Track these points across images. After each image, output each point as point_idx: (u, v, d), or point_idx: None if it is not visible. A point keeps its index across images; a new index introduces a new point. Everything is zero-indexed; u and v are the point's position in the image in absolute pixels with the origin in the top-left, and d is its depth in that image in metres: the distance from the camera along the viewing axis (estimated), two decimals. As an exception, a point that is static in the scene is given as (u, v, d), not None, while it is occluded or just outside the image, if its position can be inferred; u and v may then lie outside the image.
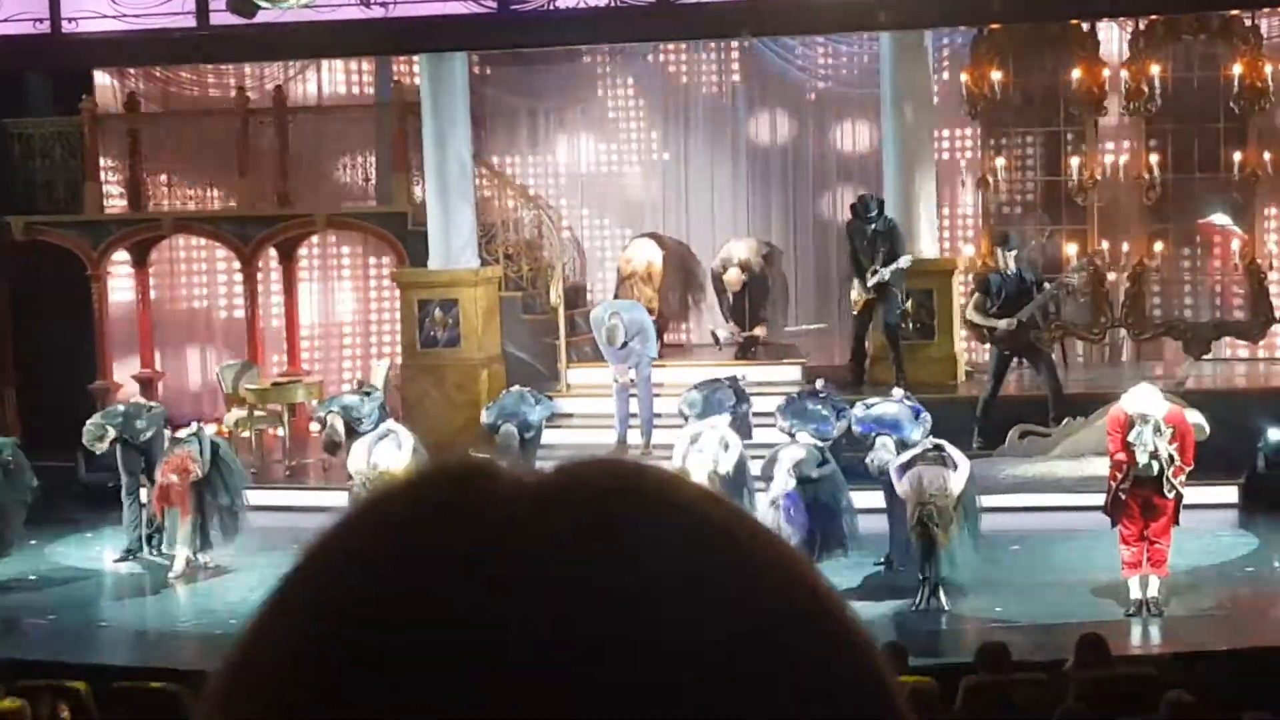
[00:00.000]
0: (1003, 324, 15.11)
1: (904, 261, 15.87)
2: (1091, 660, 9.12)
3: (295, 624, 0.77)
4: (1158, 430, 11.51)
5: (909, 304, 16.34)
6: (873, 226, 15.95)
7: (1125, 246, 17.45)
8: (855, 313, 16.45)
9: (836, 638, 0.79)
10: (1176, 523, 11.74)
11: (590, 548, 0.76)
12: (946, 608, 11.96)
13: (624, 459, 0.83)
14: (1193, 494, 12.87)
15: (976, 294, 15.67)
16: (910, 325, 16.37)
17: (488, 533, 0.77)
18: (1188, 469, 11.67)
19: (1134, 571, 11.70)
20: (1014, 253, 15.49)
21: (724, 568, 0.77)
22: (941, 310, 16.53)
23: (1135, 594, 11.73)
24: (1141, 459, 11.48)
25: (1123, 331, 17.47)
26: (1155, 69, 17.03)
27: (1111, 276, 17.16)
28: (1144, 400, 11.75)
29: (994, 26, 17.15)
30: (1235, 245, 17.17)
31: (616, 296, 17.16)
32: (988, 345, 16.12)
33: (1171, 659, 10.27)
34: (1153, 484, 11.59)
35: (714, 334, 17.64)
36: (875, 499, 12.73)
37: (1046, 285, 15.66)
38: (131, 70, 18.67)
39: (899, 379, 15.73)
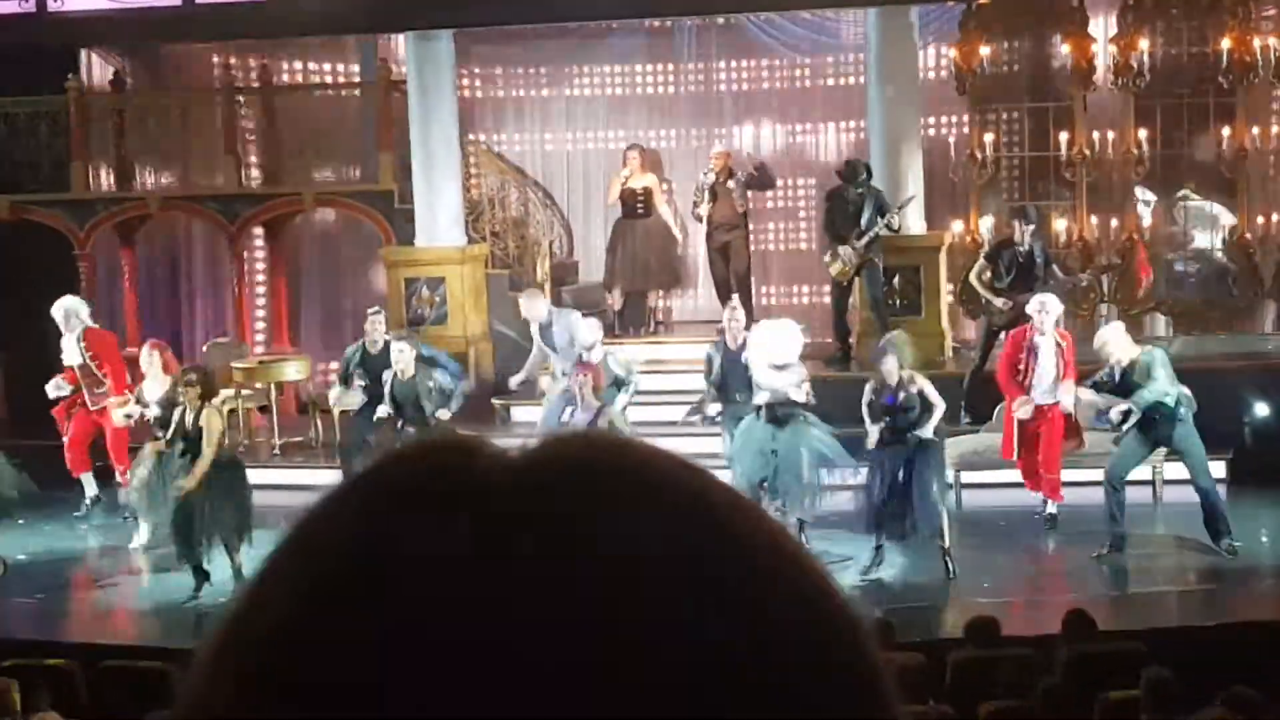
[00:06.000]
0: (999, 303, 14.97)
1: (905, 203, 15.86)
2: (1077, 635, 9.14)
3: (274, 606, 0.76)
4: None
5: (895, 280, 16.28)
6: (860, 191, 15.77)
7: (1114, 222, 17.46)
8: (841, 285, 16.17)
9: (824, 617, 0.78)
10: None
11: (570, 525, 0.75)
12: (954, 575, 12.04)
13: (606, 433, 0.82)
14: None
15: (982, 259, 15.52)
16: (896, 302, 16.29)
17: (465, 510, 0.76)
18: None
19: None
20: (1031, 228, 15.26)
21: (706, 546, 0.76)
22: (928, 286, 16.49)
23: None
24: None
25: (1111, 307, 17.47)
26: (1144, 43, 17.02)
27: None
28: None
29: (982, 1, 17.13)
30: (1224, 220, 17.17)
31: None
32: (978, 318, 16.13)
33: (1158, 634, 10.29)
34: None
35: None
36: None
37: (1055, 268, 15.32)
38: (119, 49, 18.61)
39: None
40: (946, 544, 12.08)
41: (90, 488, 14.90)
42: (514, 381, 14.90)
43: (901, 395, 12.00)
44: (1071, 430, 13.10)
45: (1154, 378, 12.14)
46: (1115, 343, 12.43)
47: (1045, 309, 13.00)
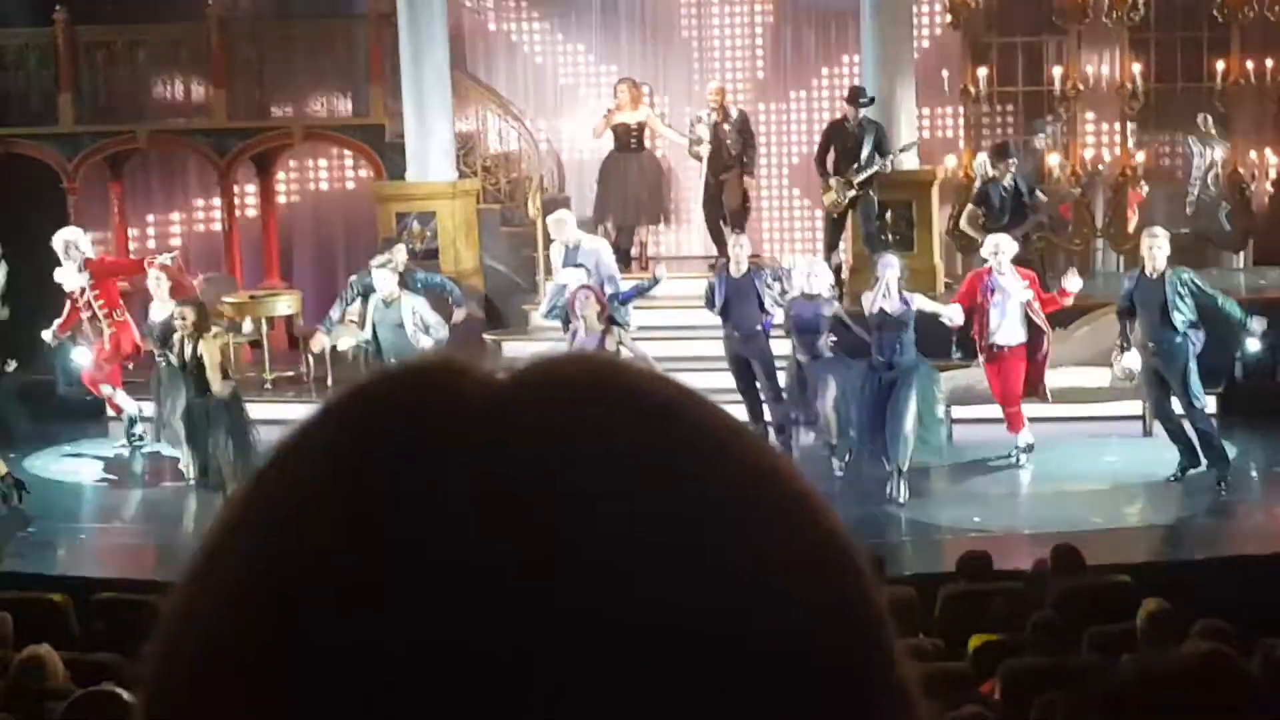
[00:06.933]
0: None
1: (906, 147, 15.85)
2: (1065, 570, 9.16)
3: (251, 541, 0.74)
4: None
5: (888, 216, 16.26)
6: (859, 122, 15.77)
7: (1108, 157, 17.42)
8: (833, 217, 16.21)
9: (820, 545, 0.76)
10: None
11: (560, 444, 0.73)
12: (903, 500, 12.20)
13: (598, 354, 0.80)
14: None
15: (971, 205, 15.57)
16: (889, 237, 16.26)
17: (450, 429, 0.74)
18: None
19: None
20: (1013, 163, 15.40)
21: (700, 469, 0.74)
22: (920, 221, 16.46)
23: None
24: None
25: (1103, 242, 17.47)
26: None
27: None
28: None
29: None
30: (1218, 155, 17.14)
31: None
32: (970, 254, 16.08)
33: (1147, 568, 10.33)
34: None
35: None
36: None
37: (1039, 194, 15.55)
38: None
39: None
40: (904, 468, 12.18)
41: (129, 406, 14.80)
42: (541, 313, 14.83)
43: (899, 306, 12.20)
44: (1034, 379, 13.19)
45: (1177, 302, 12.23)
46: (1162, 244, 12.49)
47: (999, 249, 13.09)
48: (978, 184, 16.18)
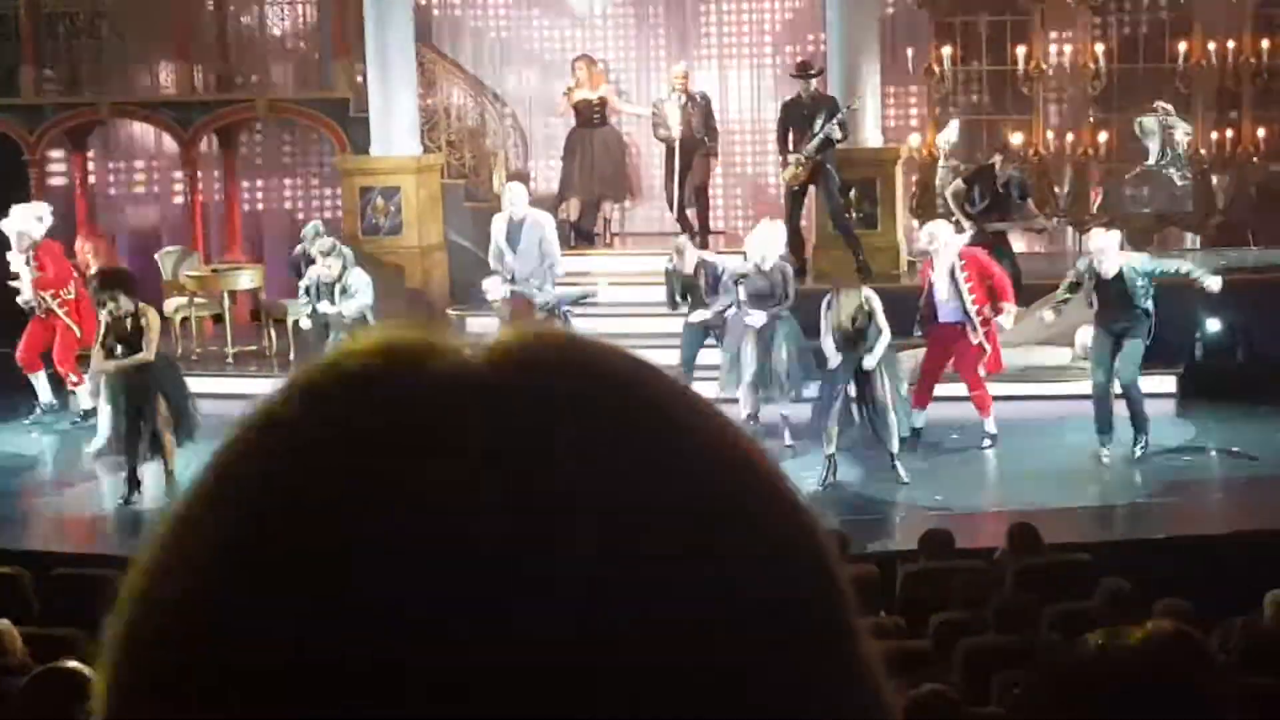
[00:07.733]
0: (968, 225, 15.14)
1: (853, 105, 15.87)
2: (1023, 548, 9.20)
3: (218, 516, 0.74)
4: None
5: (852, 194, 16.27)
6: (811, 94, 15.82)
7: (1070, 137, 17.47)
8: (793, 189, 16.18)
9: (786, 524, 0.76)
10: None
11: (534, 423, 0.73)
12: (906, 479, 12.23)
13: (558, 328, 0.80)
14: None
15: (960, 181, 15.61)
16: (854, 214, 16.28)
17: (420, 405, 0.73)
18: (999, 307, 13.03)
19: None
20: (1012, 165, 15.52)
21: (668, 446, 0.74)
22: (885, 199, 16.49)
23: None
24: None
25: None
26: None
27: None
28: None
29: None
30: (1180, 136, 17.20)
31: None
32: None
33: (1106, 547, 10.39)
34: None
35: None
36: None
37: (1030, 204, 15.67)
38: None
39: (859, 265, 15.61)
40: (895, 450, 12.22)
41: (44, 394, 14.81)
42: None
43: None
44: (991, 357, 13.26)
45: (1136, 290, 12.29)
46: (1110, 253, 12.48)
47: (934, 239, 13.13)
48: (940, 163, 16.26)
